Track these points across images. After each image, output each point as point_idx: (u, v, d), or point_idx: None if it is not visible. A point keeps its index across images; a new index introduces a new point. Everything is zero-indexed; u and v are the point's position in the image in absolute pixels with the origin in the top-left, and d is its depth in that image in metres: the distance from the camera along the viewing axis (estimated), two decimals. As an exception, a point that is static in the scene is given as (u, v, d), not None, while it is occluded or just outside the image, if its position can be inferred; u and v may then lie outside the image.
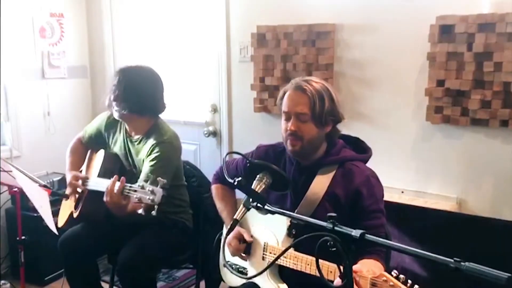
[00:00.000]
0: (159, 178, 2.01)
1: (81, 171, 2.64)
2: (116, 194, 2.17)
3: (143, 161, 2.45)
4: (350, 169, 1.84)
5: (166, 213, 2.47)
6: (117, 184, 2.17)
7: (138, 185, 2.05)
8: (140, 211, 2.03)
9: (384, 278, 1.34)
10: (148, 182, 2.05)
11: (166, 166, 2.42)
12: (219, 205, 2.15)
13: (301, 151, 1.85)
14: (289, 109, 1.82)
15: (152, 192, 1.98)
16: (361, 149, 1.94)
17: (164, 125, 2.55)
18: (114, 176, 2.21)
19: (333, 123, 1.85)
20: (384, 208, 1.83)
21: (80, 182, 2.49)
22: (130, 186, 2.11)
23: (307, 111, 1.78)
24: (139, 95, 2.41)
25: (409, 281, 1.31)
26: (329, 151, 1.88)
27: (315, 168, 1.87)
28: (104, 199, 2.22)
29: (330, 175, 1.84)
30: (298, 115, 1.80)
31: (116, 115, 2.50)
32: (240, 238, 1.93)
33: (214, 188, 2.22)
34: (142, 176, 2.37)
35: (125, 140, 2.57)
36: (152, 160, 2.38)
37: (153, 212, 1.98)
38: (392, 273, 1.34)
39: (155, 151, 2.40)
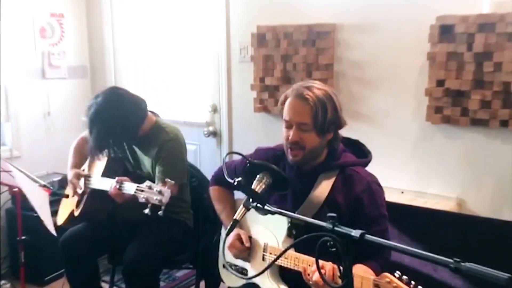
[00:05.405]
0: (167, 179, 2.03)
1: (83, 170, 2.64)
2: (119, 195, 2.23)
3: (152, 162, 2.45)
4: (350, 175, 1.82)
5: (168, 212, 2.48)
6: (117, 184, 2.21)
7: (146, 185, 2.06)
8: (146, 211, 2.03)
9: (387, 279, 1.34)
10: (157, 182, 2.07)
11: (179, 164, 2.44)
12: (218, 206, 2.15)
13: (302, 160, 1.83)
14: (291, 118, 1.78)
15: (160, 192, 1.99)
16: (362, 153, 1.92)
17: (165, 123, 2.55)
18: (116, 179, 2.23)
19: (334, 130, 1.83)
20: (386, 212, 1.82)
21: (82, 180, 2.49)
22: (138, 186, 2.12)
23: (308, 121, 1.75)
24: (119, 133, 2.39)
25: (412, 282, 1.31)
26: (329, 156, 1.87)
27: (316, 173, 1.86)
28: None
29: (331, 181, 1.82)
30: (300, 124, 1.76)
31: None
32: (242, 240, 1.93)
33: (212, 190, 2.22)
34: (157, 179, 2.38)
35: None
36: (163, 161, 2.40)
37: (160, 213, 1.98)
38: (395, 274, 1.33)
39: (164, 151, 2.41)
